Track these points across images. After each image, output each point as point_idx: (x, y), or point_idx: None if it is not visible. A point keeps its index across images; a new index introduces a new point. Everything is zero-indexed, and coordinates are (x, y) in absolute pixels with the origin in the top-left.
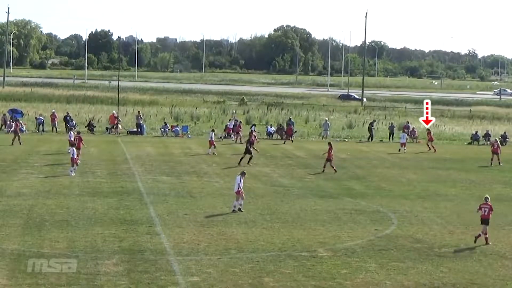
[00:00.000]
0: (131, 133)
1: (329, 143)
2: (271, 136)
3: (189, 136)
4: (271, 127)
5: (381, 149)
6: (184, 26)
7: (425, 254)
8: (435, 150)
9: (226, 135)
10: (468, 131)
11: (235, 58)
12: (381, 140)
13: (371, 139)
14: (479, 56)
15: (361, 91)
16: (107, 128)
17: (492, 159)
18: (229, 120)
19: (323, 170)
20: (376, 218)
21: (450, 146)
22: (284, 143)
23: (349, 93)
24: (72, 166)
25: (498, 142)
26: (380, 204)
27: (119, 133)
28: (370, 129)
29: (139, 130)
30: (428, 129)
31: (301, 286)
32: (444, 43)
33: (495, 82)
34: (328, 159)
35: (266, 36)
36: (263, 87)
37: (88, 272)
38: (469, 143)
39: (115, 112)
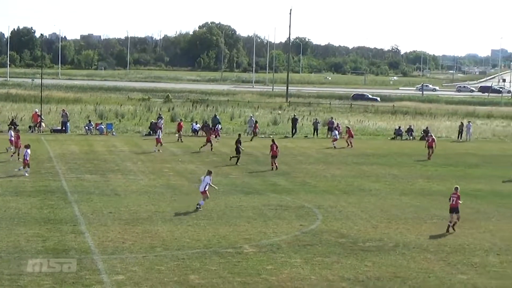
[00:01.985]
0: (55, 131)
1: (273, 140)
2: (196, 133)
3: (113, 133)
4: (196, 124)
5: (305, 145)
6: (108, 23)
7: (350, 248)
8: (352, 145)
9: (151, 132)
10: (391, 126)
11: (160, 55)
12: (305, 136)
13: (295, 133)
14: (402, 52)
15: (285, 88)
16: (30, 127)
17: (428, 153)
18: (157, 118)
19: (272, 168)
20: (301, 214)
21: (373, 141)
22: (251, 140)
23: (363, 93)
24: (24, 168)
25: (433, 136)
26: (305, 199)
27: (43, 132)
28: (293, 124)
29: (63, 128)
30: (347, 126)
31: (226, 282)
32: (368, 39)
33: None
34: (273, 156)
35: (191, 33)
36: (188, 84)
37: (11, 273)
38: (392, 138)
39: (37, 110)
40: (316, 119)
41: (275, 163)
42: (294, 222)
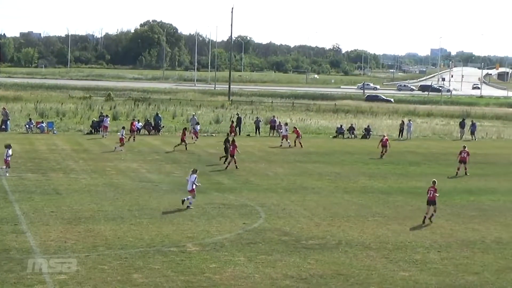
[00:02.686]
0: None
1: (233, 140)
2: (138, 131)
3: (55, 132)
4: (138, 122)
5: (248, 143)
6: (48, 21)
7: (293, 246)
8: (301, 145)
9: (93, 130)
10: (333, 125)
11: (101, 53)
12: (248, 135)
13: (239, 133)
14: (343, 51)
15: (227, 86)
16: None
17: (382, 152)
18: (99, 117)
19: (236, 166)
20: (244, 212)
21: (315, 140)
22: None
23: (376, 94)
24: (6, 168)
25: (387, 136)
26: (248, 198)
27: None
28: (238, 123)
29: (3, 126)
30: (294, 127)
31: (170, 281)
32: (309, 38)
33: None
34: (232, 155)
35: (132, 31)
36: (130, 82)
37: None
38: (334, 137)
39: None
40: (258, 117)
41: (235, 162)
42: (237, 221)
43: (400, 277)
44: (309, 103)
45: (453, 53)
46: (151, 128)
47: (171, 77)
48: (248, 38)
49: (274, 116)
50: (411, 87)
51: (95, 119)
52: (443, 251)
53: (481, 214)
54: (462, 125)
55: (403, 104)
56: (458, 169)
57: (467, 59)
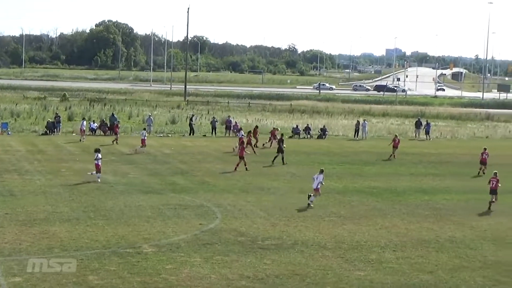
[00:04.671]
0: None
1: (242, 141)
2: (94, 132)
3: (9, 133)
4: (93, 123)
5: (204, 143)
6: (1, 20)
7: (249, 247)
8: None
9: (47, 131)
10: (289, 125)
11: (56, 53)
12: (204, 135)
13: (192, 134)
14: (299, 51)
15: (183, 86)
16: None
17: (393, 153)
18: (55, 117)
19: (246, 169)
20: (200, 213)
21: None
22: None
23: None
24: (97, 173)
25: (399, 137)
26: (204, 198)
27: None
28: (190, 124)
29: None
30: (274, 127)
31: (126, 282)
32: (265, 38)
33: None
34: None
35: (88, 31)
36: (85, 82)
37: None
38: (290, 137)
39: None
40: (214, 117)
41: (245, 164)
42: (193, 221)
43: (356, 277)
44: (265, 103)
45: (408, 53)
46: (107, 128)
47: (127, 78)
48: (204, 38)
49: (229, 116)
50: (367, 87)
51: (50, 120)
52: (398, 251)
53: (435, 213)
54: (417, 124)
55: (358, 104)
56: (480, 169)
57: (422, 59)
